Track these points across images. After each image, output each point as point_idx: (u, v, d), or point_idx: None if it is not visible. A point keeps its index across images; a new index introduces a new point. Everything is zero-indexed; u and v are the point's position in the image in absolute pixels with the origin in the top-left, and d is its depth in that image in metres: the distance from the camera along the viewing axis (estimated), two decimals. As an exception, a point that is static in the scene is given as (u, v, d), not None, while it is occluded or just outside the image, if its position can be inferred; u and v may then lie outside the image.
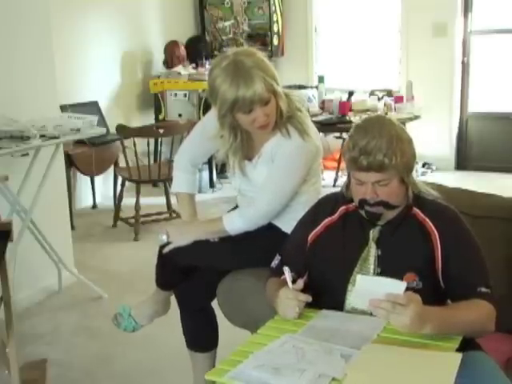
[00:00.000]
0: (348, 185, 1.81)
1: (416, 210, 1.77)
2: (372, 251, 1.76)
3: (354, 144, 1.68)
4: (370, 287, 1.55)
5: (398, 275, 1.68)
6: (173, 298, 2.45)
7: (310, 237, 1.87)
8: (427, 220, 1.74)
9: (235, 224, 2.20)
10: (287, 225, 2.10)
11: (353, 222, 1.82)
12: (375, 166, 1.66)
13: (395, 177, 1.70)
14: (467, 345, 1.59)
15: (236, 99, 2.03)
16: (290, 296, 1.71)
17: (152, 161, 4.97)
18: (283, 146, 2.15)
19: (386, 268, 1.73)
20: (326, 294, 1.78)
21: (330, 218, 1.86)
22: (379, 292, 1.51)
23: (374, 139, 1.66)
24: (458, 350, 1.52)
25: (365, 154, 1.66)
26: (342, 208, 1.85)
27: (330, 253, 1.81)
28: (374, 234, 1.77)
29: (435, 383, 1.40)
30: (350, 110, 5.58)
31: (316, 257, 1.84)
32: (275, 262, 1.94)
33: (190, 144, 2.43)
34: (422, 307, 1.51)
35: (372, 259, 1.75)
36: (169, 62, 6.33)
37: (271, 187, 2.17)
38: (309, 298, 1.71)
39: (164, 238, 2.24)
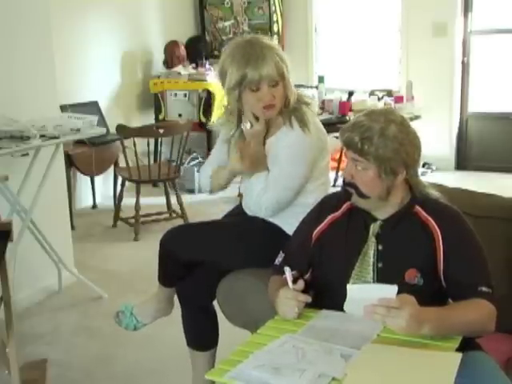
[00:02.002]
0: None
1: (418, 208, 1.77)
2: (371, 246, 1.76)
3: (353, 119, 1.75)
4: (361, 295, 1.55)
5: (399, 271, 1.70)
6: (175, 298, 2.45)
7: (315, 234, 1.87)
8: (430, 219, 1.74)
9: (255, 186, 2.19)
10: (292, 227, 2.07)
11: (356, 217, 1.82)
12: (351, 145, 1.69)
13: (372, 167, 1.69)
14: (467, 345, 1.59)
15: (245, 74, 2.09)
16: (289, 296, 1.71)
17: (152, 161, 4.96)
18: (286, 139, 2.18)
19: (388, 263, 1.74)
20: (329, 291, 1.78)
21: (334, 215, 1.87)
22: (372, 298, 1.50)
23: (365, 121, 1.69)
24: (458, 349, 1.52)
25: (350, 128, 1.70)
26: (347, 204, 1.85)
27: (333, 249, 1.82)
28: (374, 228, 1.77)
29: (435, 383, 1.40)
30: (350, 109, 5.57)
31: (320, 253, 1.84)
32: (278, 260, 1.94)
33: (212, 155, 2.45)
34: (418, 308, 1.50)
35: (371, 253, 1.75)
36: (169, 62, 6.33)
37: (276, 180, 2.17)
38: (308, 299, 1.72)
39: (248, 125, 2.20)
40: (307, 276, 1.86)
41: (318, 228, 1.87)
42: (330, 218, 1.87)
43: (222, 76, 2.18)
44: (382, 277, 1.72)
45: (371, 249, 1.76)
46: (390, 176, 1.70)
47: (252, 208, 2.28)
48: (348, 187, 1.76)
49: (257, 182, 2.20)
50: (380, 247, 1.76)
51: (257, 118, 2.18)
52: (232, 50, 2.15)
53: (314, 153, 2.20)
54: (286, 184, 2.18)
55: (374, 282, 1.73)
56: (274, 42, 2.21)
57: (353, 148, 1.69)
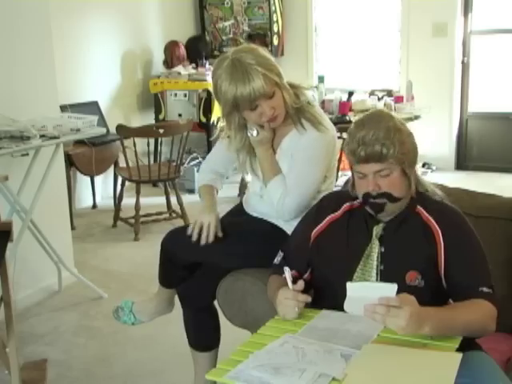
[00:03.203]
0: (353, 183, 1.81)
1: (420, 209, 1.77)
2: (375, 248, 1.75)
3: (352, 137, 1.70)
4: (361, 293, 1.55)
5: (400, 273, 1.69)
6: (176, 298, 2.45)
7: (313, 233, 1.87)
8: (431, 219, 1.74)
9: (273, 195, 2.17)
10: (292, 226, 2.08)
11: (357, 219, 1.82)
12: (374, 157, 1.67)
13: (396, 168, 1.70)
14: (467, 345, 1.58)
15: (236, 98, 2.05)
16: (289, 296, 1.71)
17: (152, 161, 4.97)
18: (300, 141, 2.16)
19: (389, 265, 1.73)
20: (329, 291, 1.78)
21: (333, 215, 1.86)
22: (372, 297, 1.50)
23: (371, 130, 1.67)
24: (458, 349, 1.52)
25: (363, 144, 1.67)
26: (346, 205, 1.85)
27: (333, 250, 1.82)
28: (377, 230, 1.77)
29: (435, 383, 1.40)
30: (350, 109, 5.57)
31: (319, 253, 1.84)
32: (278, 259, 1.94)
33: (211, 156, 2.45)
34: (418, 308, 1.50)
35: (375, 256, 1.75)
36: (169, 62, 6.33)
37: (296, 183, 2.15)
38: (308, 299, 1.71)
39: (254, 132, 2.17)
40: (306, 275, 1.85)
41: (317, 228, 1.87)
42: (328, 218, 1.86)
43: (218, 100, 2.16)
44: (383, 279, 1.71)
45: (375, 251, 1.75)
46: (411, 169, 1.74)
47: (273, 214, 2.24)
48: (379, 199, 1.71)
49: (275, 189, 2.17)
50: (382, 249, 1.75)
51: (262, 125, 2.17)
52: (220, 73, 2.09)
53: (330, 151, 2.20)
54: (306, 185, 2.16)
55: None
56: (259, 50, 2.13)
57: (375, 159, 1.67)
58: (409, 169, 1.73)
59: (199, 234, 2.19)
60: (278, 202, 2.17)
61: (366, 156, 1.68)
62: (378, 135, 1.66)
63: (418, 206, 1.77)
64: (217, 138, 2.39)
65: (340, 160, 5.88)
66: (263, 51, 2.14)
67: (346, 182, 1.92)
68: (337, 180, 5.73)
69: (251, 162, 2.27)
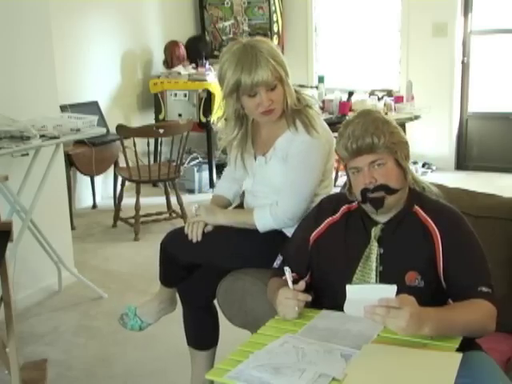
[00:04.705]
0: (349, 187, 1.81)
1: (417, 209, 1.77)
2: (374, 249, 1.75)
3: (342, 134, 1.73)
4: (361, 295, 1.55)
5: (399, 274, 1.69)
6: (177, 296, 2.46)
7: (312, 236, 1.87)
8: (428, 219, 1.74)
9: (266, 221, 2.18)
10: (292, 229, 2.08)
11: (355, 221, 1.82)
12: (366, 148, 1.69)
13: (389, 158, 1.71)
14: (467, 345, 1.58)
15: (239, 80, 2.07)
16: (289, 296, 1.70)
17: (152, 161, 4.97)
18: (293, 144, 2.15)
19: (388, 267, 1.73)
20: (329, 293, 1.78)
21: (331, 218, 1.86)
22: (371, 299, 1.50)
23: (360, 124, 1.71)
24: (458, 349, 1.52)
25: (353, 138, 1.70)
26: (344, 207, 1.86)
27: (332, 252, 1.82)
28: (375, 232, 1.77)
29: (435, 383, 1.40)
30: (350, 109, 5.57)
31: (318, 256, 1.84)
32: (277, 262, 1.94)
33: (228, 163, 2.46)
34: (418, 308, 1.50)
35: (374, 257, 1.75)
36: (169, 62, 6.33)
37: (291, 189, 2.16)
38: (308, 298, 1.71)
39: (193, 209, 2.24)
40: (306, 278, 1.85)
41: (316, 231, 1.87)
42: (327, 221, 1.87)
43: (221, 82, 2.17)
44: (382, 280, 1.71)
45: (373, 253, 1.75)
46: (405, 161, 1.75)
47: (275, 227, 2.23)
48: (377, 192, 1.71)
49: (262, 215, 2.18)
50: (381, 251, 1.75)
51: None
52: (228, 56, 2.11)
53: (324, 154, 2.19)
54: (302, 191, 2.16)
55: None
56: (272, 44, 2.16)
57: (367, 150, 1.69)
58: (402, 160, 1.74)
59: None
60: (271, 214, 2.17)
61: (357, 148, 1.69)
62: (366, 127, 1.69)
63: (416, 206, 1.77)
64: (213, 122, 2.40)
65: (339, 159, 5.88)
66: (275, 45, 2.17)
67: (345, 184, 1.92)
68: (336, 181, 5.78)
69: (243, 157, 2.27)
